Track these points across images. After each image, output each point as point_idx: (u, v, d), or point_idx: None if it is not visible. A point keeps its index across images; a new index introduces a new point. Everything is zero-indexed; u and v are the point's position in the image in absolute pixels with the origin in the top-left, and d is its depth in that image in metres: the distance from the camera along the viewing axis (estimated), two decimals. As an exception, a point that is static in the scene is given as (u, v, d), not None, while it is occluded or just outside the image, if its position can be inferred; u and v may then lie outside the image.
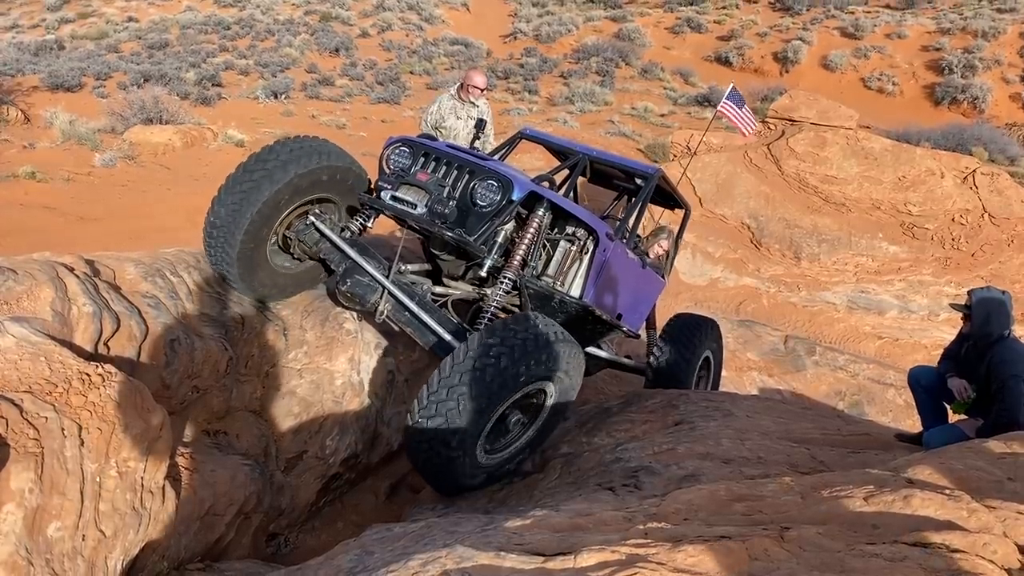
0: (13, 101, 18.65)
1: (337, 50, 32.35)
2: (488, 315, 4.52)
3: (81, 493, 2.82)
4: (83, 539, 2.81)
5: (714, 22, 34.32)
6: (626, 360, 6.32)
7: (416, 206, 4.59)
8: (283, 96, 24.31)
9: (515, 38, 35.33)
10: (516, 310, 4.84)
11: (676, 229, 6.71)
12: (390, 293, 4.61)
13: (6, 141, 15.02)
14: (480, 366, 3.70)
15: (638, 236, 6.48)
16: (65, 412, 2.90)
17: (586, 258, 4.76)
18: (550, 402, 4.26)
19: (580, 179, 6.22)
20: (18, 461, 2.66)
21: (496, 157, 6.30)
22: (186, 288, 4.54)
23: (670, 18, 35.55)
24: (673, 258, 6.38)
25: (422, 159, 4.82)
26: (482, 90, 7.36)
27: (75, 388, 2.99)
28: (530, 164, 13.20)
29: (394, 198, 4.68)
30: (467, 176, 4.65)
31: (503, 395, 3.78)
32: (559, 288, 4.70)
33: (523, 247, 4.55)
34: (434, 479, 4.13)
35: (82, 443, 2.89)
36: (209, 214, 4.52)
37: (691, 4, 36.92)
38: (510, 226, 4.67)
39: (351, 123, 21.18)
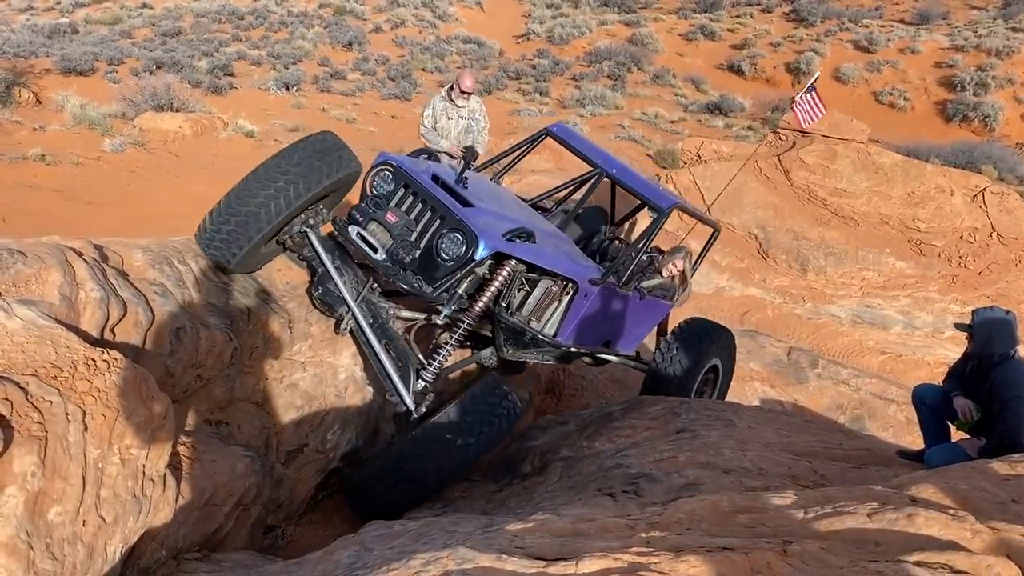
0: (25, 83, 18.67)
1: (350, 44, 32.36)
2: (442, 354, 4.56)
3: (83, 479, 2.82)
4: (83, 524, 2.80)
5: (728, 30, 34.26)
6: (631, 362, 6.30)
7: (377, 251, 4.51)
8: (294, 88, 24.33)
9: (528, 39, 35.32)
10: (488, 335, 4.85)
11: (697, 249, 6.66)
12: (353, 315, 4.59)
13: (17, 123, 15.06)
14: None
15: (658, 250, 6.40)
16: (70, 397, 2.90)
17: (566, 299, 4.74)
18: None
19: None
20: (21, 444, 2.65)
21: (516, 154, 6.20)
22: (193, 277, 4.53)
23: (684, 25, 35.50)
24: (689, 278, 6.29)
25: (401, 191, 4.66)
26: (469, 93, 7.51)
27: (80, 373, 2.99)
28: (538, 165, 13.20)
29: (360, 235, 4.58)
30: (437, 222, 4.47)
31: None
32: (532, 326, 4.67)
33: (486, 296, 4.48)
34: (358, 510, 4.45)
35: (86, 428, 2.88)
36: (229, 201, 4.44)
37: (705, 12, 36.87)
38: (482, 270, 4.55)
39: (361, 118, 21.20)
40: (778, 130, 14.71)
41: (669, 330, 6.29)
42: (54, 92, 17.97)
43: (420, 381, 4.44)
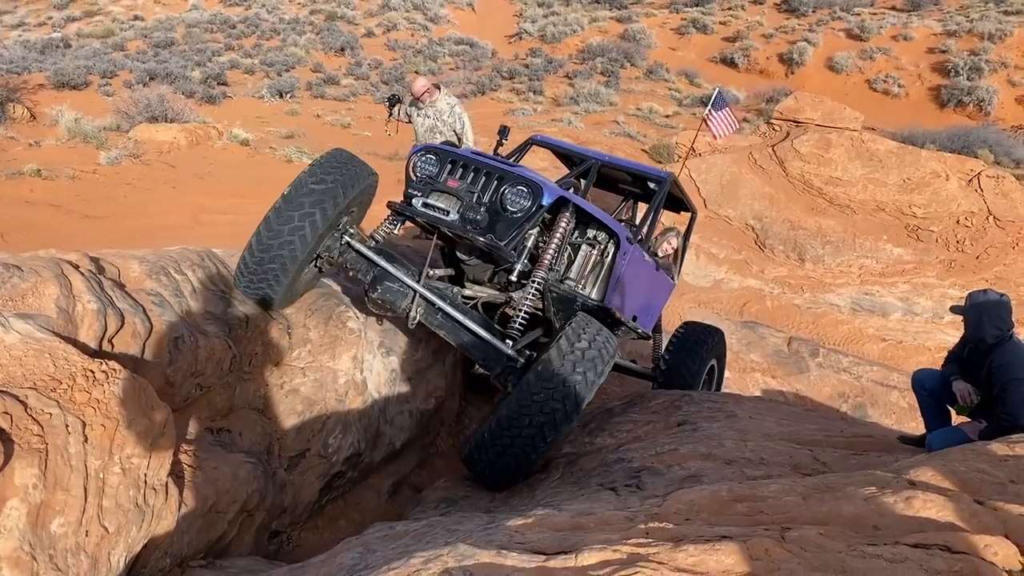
0: (19, 99, 18.68)
1: (342, 49, 32.41)
2: (518, 318, 4.63)
3: (85, 489, 2.83)
4: (86, 535, 2.82)
5: (720, 23, 34.29)
6: (636, 365, 6.37)
7: (448, 213, 4.69)
8: (288, 95, 24.35)
9: (520, 38, 35.35)
10: (539, 313, 4.93)
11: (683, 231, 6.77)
12: (423, 297, 4.68)
13: (12, 139, 15.06)
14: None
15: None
16: (69, 408, 2.91)
17: (607, 261, 4.84)
18: None
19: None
20: (22, 457, 2.66)
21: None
22: (190, 286, 4.54)
23: (676, 19, 35.53)
24: (682, 260, 6.45)
25: (449, 166, 4.87)
26: (417, 97, 7.57)
27: (79, 385, 3.00)
28: (536, 165, 13.21)
29: (426, 205, 4.77)
30: (496, 182, 4.71)
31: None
32: (581, 291, 4.75)
33: (550, 251, 4.65)
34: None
35: (86, 439, 2.89)
36: (264, 236, 4.45)
37: (697, 5, 36.90)
38: (536, 231, 4.78)
39: (356, 122, 21.18)
40: (772, 121, 14.72)
41: (664, 332, 6.37)
42: (48, 107, 17.98)
43: (508, 340, 4.59)
